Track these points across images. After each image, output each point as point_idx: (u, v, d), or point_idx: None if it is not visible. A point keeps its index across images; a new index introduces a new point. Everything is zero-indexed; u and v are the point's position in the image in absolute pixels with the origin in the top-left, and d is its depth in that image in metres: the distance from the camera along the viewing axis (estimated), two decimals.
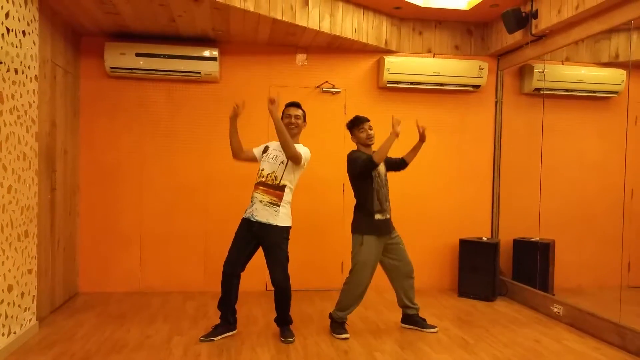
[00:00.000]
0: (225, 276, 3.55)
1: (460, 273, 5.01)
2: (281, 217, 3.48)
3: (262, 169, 3.57)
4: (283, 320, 3.64)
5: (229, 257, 3.55)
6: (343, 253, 5.06)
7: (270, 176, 3.50)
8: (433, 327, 3.84)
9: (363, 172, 3.58)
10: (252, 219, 3.50)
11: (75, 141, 4.67)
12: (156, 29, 4.51)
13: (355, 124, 3.75)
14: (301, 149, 3.54)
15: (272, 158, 3.56)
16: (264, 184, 3.52)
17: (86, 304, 4.39)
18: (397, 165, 3.92)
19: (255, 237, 3.52)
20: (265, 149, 3.66)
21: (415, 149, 3.90)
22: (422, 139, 3.83)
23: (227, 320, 3.62)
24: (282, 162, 3.52)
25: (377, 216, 3.62)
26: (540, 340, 3.70)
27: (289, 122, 3.56)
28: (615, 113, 4.90)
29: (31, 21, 3.54)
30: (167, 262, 4.89)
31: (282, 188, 3.48)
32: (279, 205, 3.47)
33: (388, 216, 3.71)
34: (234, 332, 3.64)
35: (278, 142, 3.48)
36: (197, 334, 3.63)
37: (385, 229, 3.67)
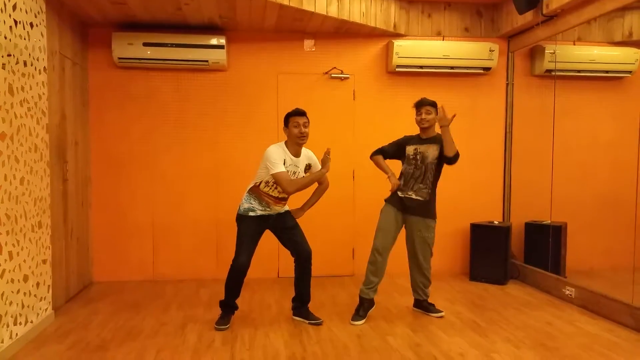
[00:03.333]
0: (242, 273, 3.52)
1: (472, 257, 5.00)
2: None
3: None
4: (308, 297, 3.72)
5: (246, 255, 3.49)
6: (354, 239, 5.07)
7: None
8: (439, 311, 3.86)
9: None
10: (269, 214, 3.58)
11: (86, 132, 4.70)
12: (163, 17, 4.49)
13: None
14: (313, 159, 3.65)
15: (292, 175, 3.48)
16: (284, 199, 3.60)
17: (101, 293, 4.45)
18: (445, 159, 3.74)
19: (267, 228, 3.60)
20: (284, 162, 3.46)
21: (444, 137, 3.63)
22: (443, 122, 3.58)
23: (234, 306, 3.67)
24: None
25: (399, 193, 3.76)
26: (552, 323, 3.69)
27: (300, 132, 3.42)
28: (629, 93, 4.82)
29: (38, 13, 3.54)
30: (180, 250, 4.94)
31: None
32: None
33: (412, 196, 3.71)
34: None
35: (291, 155, 3.47)
36: (211, 320, 3.67)
37: (402, 205, 3.73)
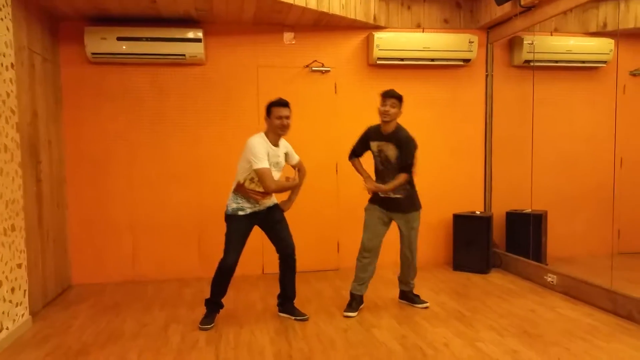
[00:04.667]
0: (230, 272, 3.45)
1: (454, 247, 5.04)
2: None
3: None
4: (294, 294, 3.69)
5: (235, 254, 3.43)
6: (339, 233, 5.05)
7: None
8: (424, 302, 3.88)
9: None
10: (259, 210, 3.52)
11: (59, 131, 4.55)
12: (137, 11, 4.37)
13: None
14: (289, 148, 3.64)
15: (275, 165, 3.45)
16: (269, 194, 3.54)
17: (80, 296, 4.34)
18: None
19: (256, 224, 3.56)
20: (267, 156, 3.41)
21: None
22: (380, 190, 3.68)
23: (220, 305, 3.61)
24: (281, 168, 3.56)
25: (380, 193, 3.75)
26: (535, 310, 3.74)
27: (281, 124, 3.38)
28: (604, 83, 4.90)
29: (3, 6, 3.38)
30: (161, 250, 4.84)
31: None
32: None
33: (391, 195, 3.69)
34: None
35: (271, 145, 3.42)
36: (194, 320, 3.61)
37: (384, 204, 3.73)
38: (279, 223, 3.61)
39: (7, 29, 3.44)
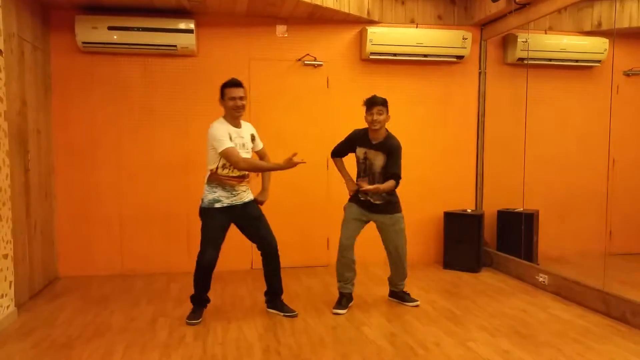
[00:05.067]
0: (209, 268, 3.42)
1: (445, 245, 5.02)
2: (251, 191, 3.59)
3: None
4: (281, 290, 3.64)
5: (213, 249, 3.39)
6: (329, 229, 5.02)
7: None
8: (415, 300, 3.86)
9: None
10: (237, 204, 3.44)
11: (48, 120, 4.49)
12: (129, 0, 4.30)
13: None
14: (254, 131, 3.58)
15: (241, 147, 3.37)
16: (245, 177, 3.47)
17: (67, 288, 4.29)
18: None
19: (232, 221, 3.47)
20: (229, 137, 3.32)
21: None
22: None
23: (206, 299, 3.58)
24: (249, 149, 3.49)
25: (359, 195, 3.70)
26: (526, 310, 3.73)
27: (235, 105, 3.32)
28: (598, 82, 4.89)
29: None
30: (150, 243, 4.79)
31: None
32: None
33: (370, 199, 3.64)
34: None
35: (233, 128, 3.37)
36: (182, 315, 3.57)
37: (364, 205, 3.68)
38: (257, 219, 3.53)
39: None
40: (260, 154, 3.68)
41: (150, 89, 4.72)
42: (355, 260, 3.74)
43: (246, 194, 3.51)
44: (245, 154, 3.41)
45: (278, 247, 3.57)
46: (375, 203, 3.65)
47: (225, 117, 3.41)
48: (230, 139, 3.30)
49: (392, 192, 3.66)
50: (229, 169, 3.36)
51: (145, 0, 4.29)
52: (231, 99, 3.33)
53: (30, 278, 3.97)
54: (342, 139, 3.81)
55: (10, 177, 3.53)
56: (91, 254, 4.70)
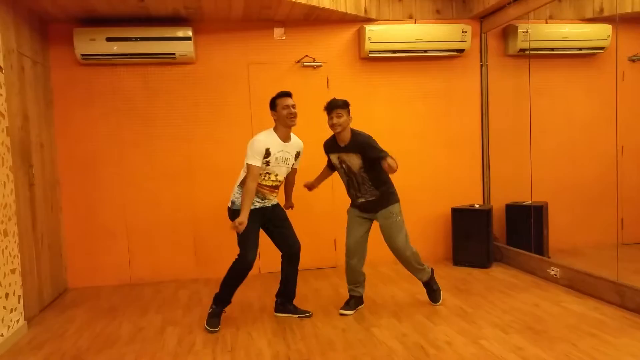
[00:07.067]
0: (249, 270, 3.40)
1: (454, 242, 4.97)
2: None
3: (277, 174, 3.44)
4: (294, 294, 3.66)
5: (254, 250, 3.37)
6: (335, 230, 4.99)
7: (281, 178, 3.50)
8: (439, 298, 3.81)
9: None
10: (267, 206, 3.49)
11: (51, 134, 4.51)
12: (125, 11, 4.31)
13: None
14: (301, 150, 3.61)
15: (283, 161, 3.42)
16: (277, 187, 3.51)
17: (76, 300, 4.30)
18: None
19: (265, 220, 3.51)
20: (267, 153, 3.32)
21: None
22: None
23: (229, 302, 3.55)
24: (289, 166, 3.53)
25: (357, 199, 3.69)
26: (539, 304, 3.67)
27: (289, 113, 3.36)
28: (602, 69, 4.81)
29: None
30: (157, 251, 4.79)
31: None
32: None
33: (364, 200, 3.62)
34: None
35: (280, 141, 3.40)
36: (190, 322, 3.56)
37: (362, 207, 3.66)
38: (285, 221, 3.59)
39: None
40: (291, 172, 3.65)
41: (151, 98, 4.73)
42: (361, 265, 3.69)
43: (274, 197, 3.55)
44: (284, 168, 3.45)
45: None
46: (368, 201, 3.59)
47: (275, 129, 3.42)
48: (269, 154, 3.32)
49: (382, 185, 3.58)
50: (263, 177, 3.38)
51: (142, 10, 4.29)
52: (284, 108, 3.36)
53: (40, 291, 3.99)
54: None
55: (14, 192, 3.54)
56: (99, 265, 4.71)
